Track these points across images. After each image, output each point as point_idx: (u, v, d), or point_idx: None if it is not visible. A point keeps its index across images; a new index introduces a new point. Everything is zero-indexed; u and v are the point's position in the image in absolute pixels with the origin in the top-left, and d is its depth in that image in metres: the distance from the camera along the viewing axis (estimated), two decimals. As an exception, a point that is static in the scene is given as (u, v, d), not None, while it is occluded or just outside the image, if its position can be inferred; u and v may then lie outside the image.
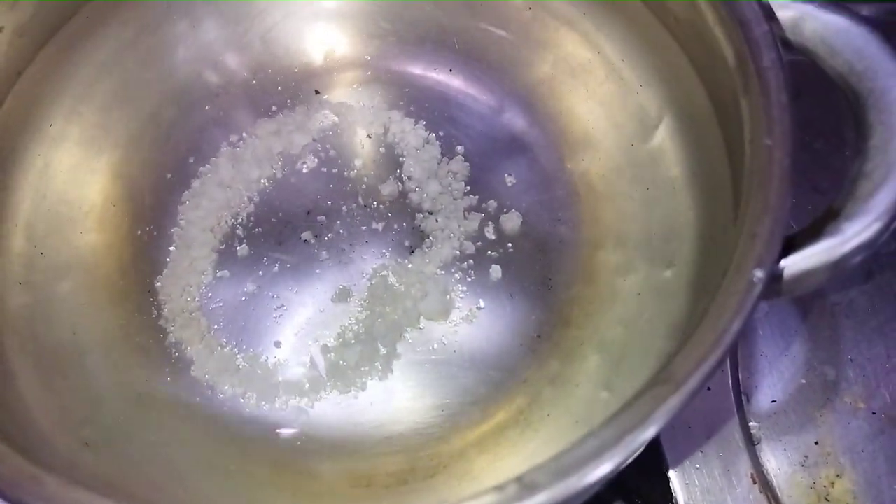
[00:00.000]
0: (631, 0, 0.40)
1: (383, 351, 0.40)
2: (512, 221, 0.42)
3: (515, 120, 0.44)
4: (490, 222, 0.43)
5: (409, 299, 0.41)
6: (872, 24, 0.31)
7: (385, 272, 0.41)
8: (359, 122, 0.45)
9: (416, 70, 0.46)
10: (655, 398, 0.25)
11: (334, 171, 0.44)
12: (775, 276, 0.28)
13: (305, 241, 0.42)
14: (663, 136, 0.40)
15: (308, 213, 0.43)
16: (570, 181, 0.43)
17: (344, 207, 0.43)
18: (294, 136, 0.45)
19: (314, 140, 0.45)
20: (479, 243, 0.42)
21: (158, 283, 0.41)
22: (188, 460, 0.36)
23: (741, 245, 0.27)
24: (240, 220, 0.43)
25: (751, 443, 0.41)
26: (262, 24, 0.45)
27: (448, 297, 0.41)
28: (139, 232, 0.42)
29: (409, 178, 0.44)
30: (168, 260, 0.42)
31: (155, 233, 0.42)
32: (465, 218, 0.43)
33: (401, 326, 0.40)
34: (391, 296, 0.41)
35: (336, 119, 0.45)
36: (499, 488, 0.24)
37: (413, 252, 0.42)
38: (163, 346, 0.40)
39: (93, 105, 0.42)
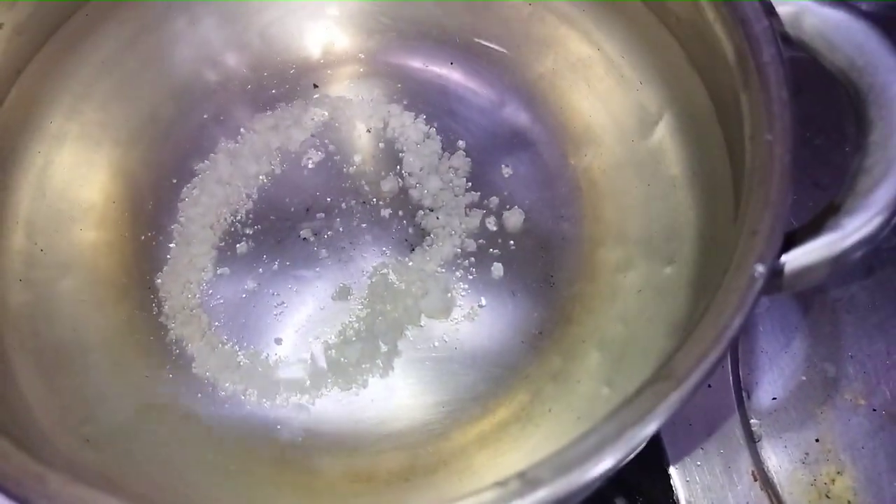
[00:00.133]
0: (630, -1, 0.40)
1: (384, 348, 0.40)
2: (514, 218, 0.42)
3: (517, 115, 0.44)
4: (492, 219, 0.42)
5: (409, 297, 0.41)
6: (872, 19, 0.31)
7: (385, 270, 0.41)
8: (358, 116, 0.45)
9: (416, 64, 0.46)
10: (657, 394, 0.25)
11: (333, 166, 0.44)
12: (776, 272, 0.28)
13: (305, 238, 0.42)
14: (663, 134, 0.40)
15: (307, 209, 0.43)
16: (573, 177, 0.43)
17: (343, 204, 0.43)
18: (292, 131, 0.44)
19: (313, 135, 0.45)
20: (480, 241, 0.42)
21: (159, 281, 0.41)
22: (189, 457, 0.36)
23: (742, 241, 0.27)
24: (239, 218, 0.43)
25: (751, 440, 0.41)
26: (260, 21, 0.45)
27: (449, 295, 0.41)
28: (139, 229, 0.42)
29: (410, 173, 0.44)
30: (168, 257, 0.42)
31: (155, 230, 0.42)
32: (467, 215, 0.43)
33: (402, 324, 0.40)
34: (392, 294, 0.41)
35: (335, 113, 0.45)
36: (501, 484, 0.24)
37: (414, 250, 0.42)
38: (163, 343, 0.40)
39: (93, 103, 0.42)
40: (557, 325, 0.40)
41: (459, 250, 0.42)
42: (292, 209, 0.43)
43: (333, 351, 0.40)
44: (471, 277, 0.41)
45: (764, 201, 0.27)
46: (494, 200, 0.43)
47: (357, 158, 0.44)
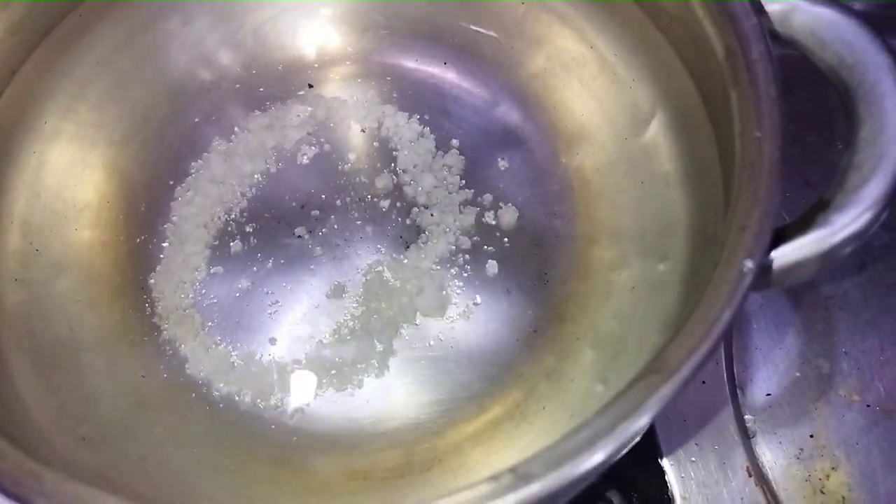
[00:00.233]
0: (622, -1, 0.40)
1: (379, 347, 0.40)
2: (508, 216, 0.42)
3: (510, 113, 0.45)
4: (486, 216, 0.43)
5: (404, 295, 0.41)
6: (862, 17, 0.31)
7: (380, 268, 0.41)
8: (352, 116, 0.45)
9: (410, 63, 0.46)
10: (648, 387, 0.25)
11: (328, 165, 0.44)
12: (766, 267, 0.28)
13: (299, 236, 0.42)
14: (656, 131, 0.40)
15: (302, 207, 0.43)
16: (565, 175, 0.43)
17: (338, 202, 0.43)
18: (287, 130, 0.45)
19: (308, 134, 0.45)
20: (475, 238, 0.42)
21: (152, 280, 0.41)
22: (185, 457, 0.36)
23: (731, 236, 0.27)
24: (233, 216, 0.43)
25: (746, 436, 0.41)
26: (254, 20, 0.45)
27: (444, 292, 0.41)
28: (133, 229, 0.42)
29: (404, 171, 0.44)
30: (162, 256, 0.42)
31: (149, 230, 0.42)
32: (461, 212, 0.43)
33: (397, 322, 0.40)
34: (387, 292, 0.41)
35: (329, 113, 0.45)
36: (493, 478, 0.24)
37: (408, 247, 0.42)
38: (157, 343, 0.40)
39: (87, 103, 0.42)
40: (552, 323, 0.40)
41: (454, 247, 0.42)
42: (287, 207, 0.43)
43: (328, 350, 0.40)
44: (465, 275, 0.41)
45: (753, 197, 0.27)
46: (488, 198, 0.43)
47: (351, 157, 0.44)
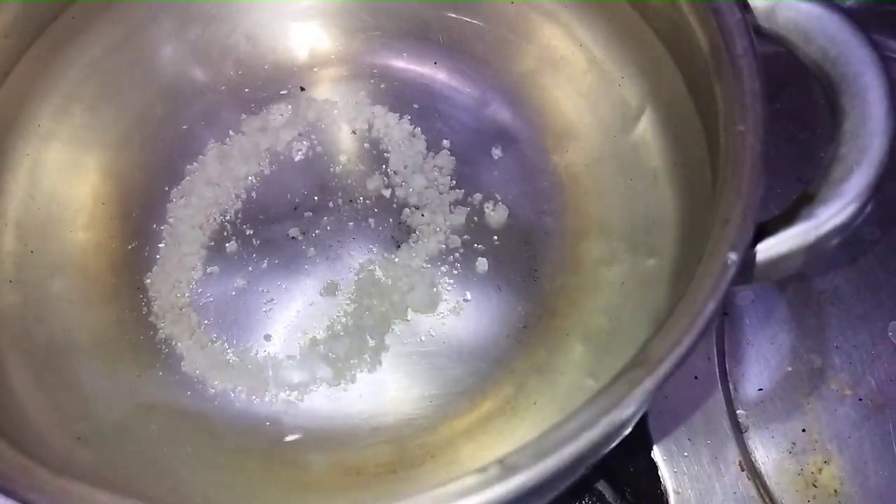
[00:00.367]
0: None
1: (372, 343, 0.40)
2: (498, 214, 0.43)
3: (500, 112, 0.45)
4: (476, 216, 0.43)
5: (396, 293, 0.41)
6: (846, 11, 0.31)
7: (372, 266, 0.42)
8: (343, 117, 0.45)
9: (400, 63, 0.46)
10: (631, 380, 0.25)
11: (320, 167, 0.44)
12: (750, 260, 0.28)
13: (293, 237, 0.43)
14: (645, 128, 0.40)
15: (295, 208, 0.43)
16: (555, 173, 0.43)
17: (330, 203, 0.43)
18: (280, 132, 0.45)
19: (300, 136, 0.45)
20: (465, 236, 0.42)
21: (148, 280, 0.41)
22: (180, 455, 0.37)
23: (715, 229, 0.27)
24: (228, 218, 0.43)
25: (738, 430, 0.41)
26: (246, 23, 0.46)
27: (435, 289, 0.41)
28: (128, 230, 0.42)
29: (395, 172, 0.44)
30: (158, 257, 0.42)
31: (145, 231, 0.43)
32: (451, 212, 0.43)
33: (389, 319, 0.41)
34: (378, 289, 0.41)
35: (321, 115, 0.46)
36: (481, 470, 0.24)
37: (400, 246, 0.42)
38: (153, 342, 0.40)
39: (81, 105, 0.42)
40: (542, 318, 0.40)
41: (445, 246, 0.42)
42: (280, 209, 0.43)
43: (322, 346, 0.40)
44: (456, 272, 0.42)
45: (736, 190, 0.28)
46: (478, 197, 0.43)
47: (343, 158, 0.45)
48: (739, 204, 0.27)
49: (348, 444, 0.38)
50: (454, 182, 0.44)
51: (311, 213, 0.43)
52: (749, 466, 0.40)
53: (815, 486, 0.40)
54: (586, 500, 0.42)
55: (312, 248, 0.42)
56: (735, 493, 0.39)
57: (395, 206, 0.43)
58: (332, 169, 0.44)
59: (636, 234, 0.39)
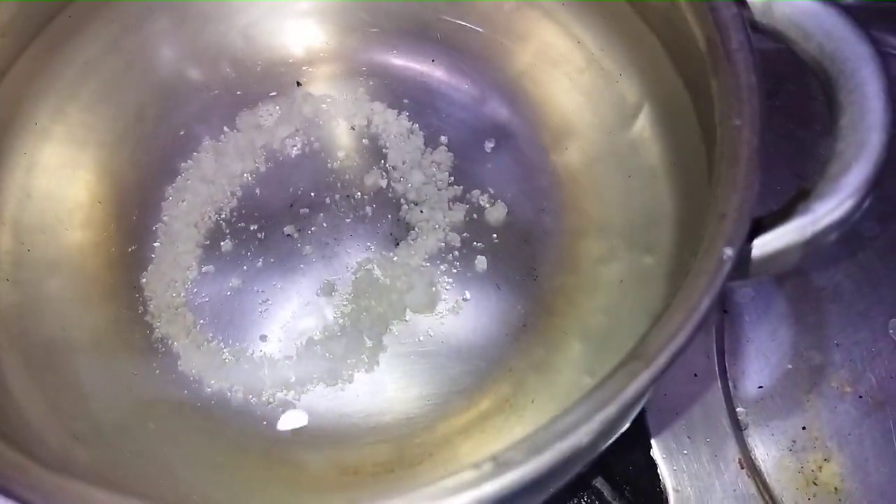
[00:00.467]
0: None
1: (369, 343, 0.40)
2: (497, 212, 0.43)
3: (498, 109, 0.45)
4: (475, 213, 0.43)
5: (394, 292, 0.41)
6: (843, 7, 0.31)
7: (370, 265, 0.42)
8: (341, 113, 0.45)
9: (398, 61, 0.46)
10: (627, 374, 0.25)
11: (317, 163, 0.44)
12: (746, 255, 0.28)
13: (289, 235, 0.42)
14: (643, 125, 0.40)
15: (291, 206, 0.43)
16: (554, 171, 0.43)
17: (327, 200, 0.43)
18: (276, 129, 0.45)
19: (297, 132, 0.45)
20: (464, 234, 0.42)
21: (144, 280, 0.41)
22: (178, 453, 0.37)
23: (711, 224, 0.27)
24: (223, 216, 0.43)
25: (738, 428, 0.41)
26: (243, 20, 0.46)
27: (434, 289, 0.41)
28: (125, 229, 0.42)
29: (393, 168, 0.44)
30: (153, 256, 0.42)
31: (140, 230, 0.43)
32: (450, 209, 0.43)
33: (386, 319, 0.40)
34: (376, 289, 0.41)
35: (318, 111, 0.45)
36: (476, 466, 0.24)
37: (398, 244, 0.42)
38: (149, 341, 0.40)
39: (77, 104, 0.43)
40: (540, 317, 0.40)
41: (443, 244, 0.42)
42: (276, 206, 0.43)
43: (318, 346, 0.40)
44: (455, 271, 0.42)
45: (732, 185, 0.27)
46: (477, 194, 0.43)
47: (340, 154, 0.45)
48: (735, 199, 0.27)
49: (346, 444, 0.38)
50: (452, 178, 0.44)
51: (307, 210, 0.43)
52: (749, 464, 0.40)
53: (815, 483, 0.40)
54: (585, 497, 0.42)
55: (309, 246, 0.42)
56: (735, 490, 0.39)
57: (393, 201, 0.43)
58: (329, 165, 0.44)
59: (634, 232, 0.39)
